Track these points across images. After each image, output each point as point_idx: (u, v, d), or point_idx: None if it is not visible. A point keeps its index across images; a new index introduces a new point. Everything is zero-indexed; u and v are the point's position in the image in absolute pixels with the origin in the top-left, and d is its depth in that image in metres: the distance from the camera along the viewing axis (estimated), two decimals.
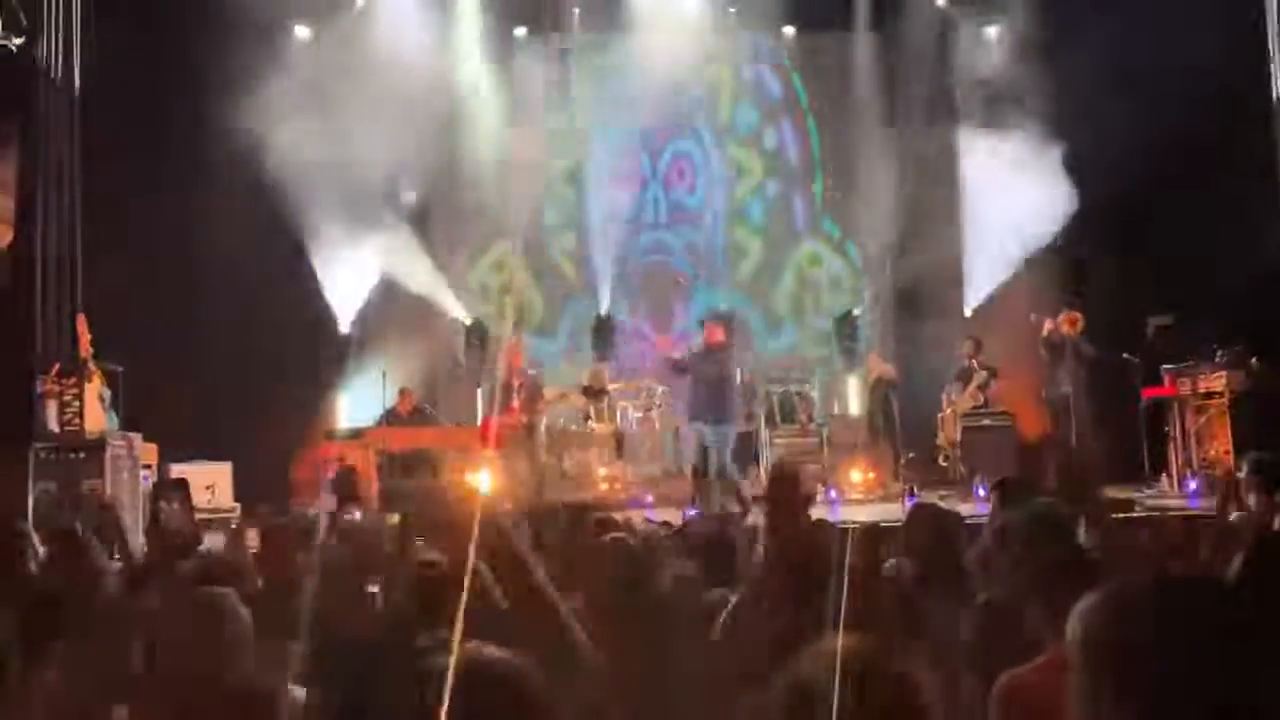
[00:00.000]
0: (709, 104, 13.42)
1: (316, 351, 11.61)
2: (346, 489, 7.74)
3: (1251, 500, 4.18)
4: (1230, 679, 1.34)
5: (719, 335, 9.34)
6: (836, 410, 12.30)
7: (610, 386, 11.46)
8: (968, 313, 12.06)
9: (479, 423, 10.35)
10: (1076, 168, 11.25)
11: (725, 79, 13.49)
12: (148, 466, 9.24)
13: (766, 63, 13.52)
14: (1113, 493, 8.13)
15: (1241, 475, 4.55)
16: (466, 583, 2.06)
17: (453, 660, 1.68)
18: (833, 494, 10.07)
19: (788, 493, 2.62)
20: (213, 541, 5.41)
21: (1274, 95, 10.65)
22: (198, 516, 9.23)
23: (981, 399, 10.72)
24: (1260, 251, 10.17)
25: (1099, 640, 1.42)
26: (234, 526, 4.85)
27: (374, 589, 2.65)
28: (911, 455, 11.14)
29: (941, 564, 3.52)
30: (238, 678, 1.96)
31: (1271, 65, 10.62)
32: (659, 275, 13.44)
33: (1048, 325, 9.96)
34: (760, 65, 13.51)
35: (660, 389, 11.87)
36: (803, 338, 13.47)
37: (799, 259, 13.60)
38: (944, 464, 11.02)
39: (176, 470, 9.62)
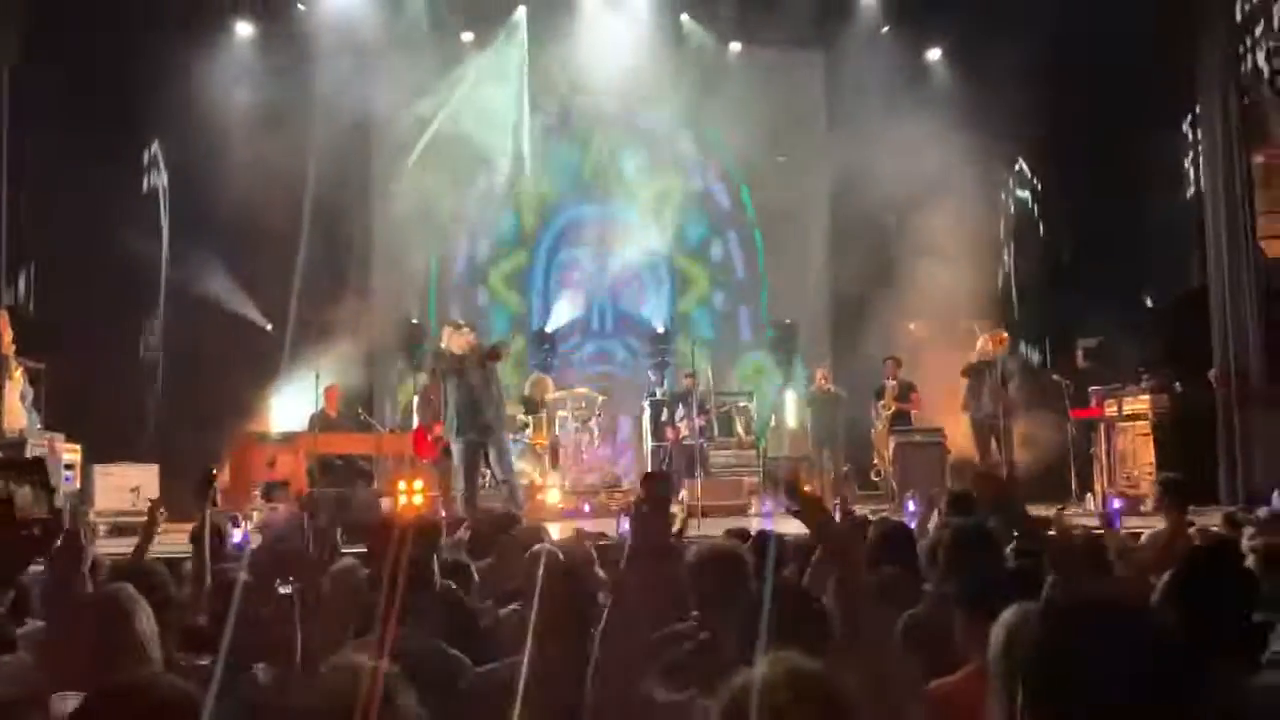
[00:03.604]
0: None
1: (247, 351, 11.36)
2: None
3: (1164, 518, 4.32)
4: (1149, 697, 1.36)
5: (466, 342, 8.73)
6: (774, 423, 12.39)
7: (550, 396, 11.40)
8: (911, 326, 12.15)
9: (412, 430, 10.19)
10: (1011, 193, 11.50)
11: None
12: (69, 468, 9.00)
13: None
14: (1036, 512, 8.29)
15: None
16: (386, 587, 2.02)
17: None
18: (767, 505, 10.11)
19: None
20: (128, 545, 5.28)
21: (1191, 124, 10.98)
22: (122, 519, 9.04)
23: (892, 408, 10.89)
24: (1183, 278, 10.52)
25: (1019, 656, 1.45)
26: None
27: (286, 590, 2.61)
28: (847, 469, 11.27)
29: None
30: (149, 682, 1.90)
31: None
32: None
33: (979, 346, 10.11)
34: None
35: (600, 399, 11.86)
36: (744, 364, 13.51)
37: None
38: (876, 479, 11.16)
39: (100, 471, 9.37)
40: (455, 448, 8.56)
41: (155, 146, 11.18)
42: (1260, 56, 10.25)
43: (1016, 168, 12.19)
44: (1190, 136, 11.20)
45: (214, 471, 4.39)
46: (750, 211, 13.64)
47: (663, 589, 3.11)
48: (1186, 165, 11.24)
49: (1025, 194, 12.34)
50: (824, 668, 1.59)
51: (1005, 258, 12.08)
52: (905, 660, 2.94)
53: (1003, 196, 11.97)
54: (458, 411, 8.48)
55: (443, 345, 8.89)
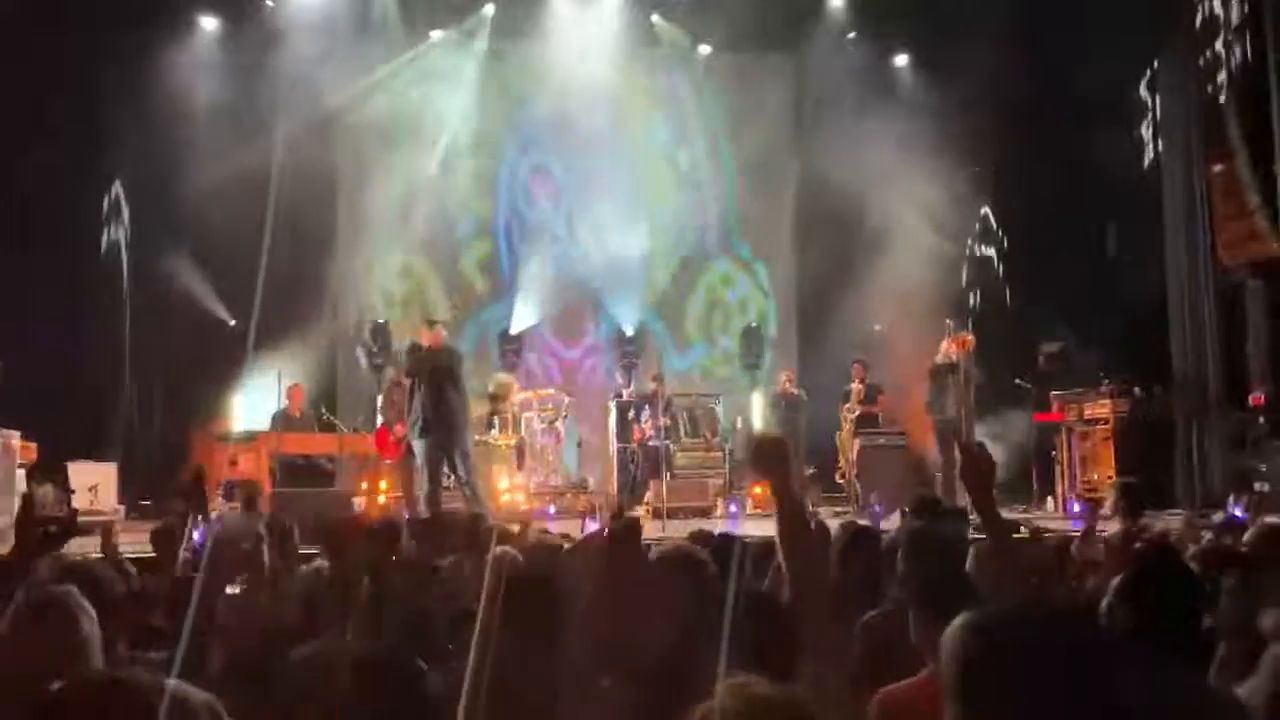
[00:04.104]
0: (622, 117, 13.35)
1: (210, 348, 11.23)
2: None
3: (1119, 522, 4.39)
4: (1085, 701, 1.39)
5: (436, 341, 8.64)
6: (740, 424, 12.42)
7: (515, 397, 11.36)
8: (876, 327, 12.19)
9: (375, 430, 10.12)
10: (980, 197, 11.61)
11: (639, 89, 13.45)
12: (24, 466, 8.85)
13: (684, 82, 13.58)
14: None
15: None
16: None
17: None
18: (733, 508, 10.15)
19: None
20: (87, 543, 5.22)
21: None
22: (79, 519, 8.90)
23: (857, 411, 10.95)
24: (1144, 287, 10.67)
25: (963, 666, 1.47)
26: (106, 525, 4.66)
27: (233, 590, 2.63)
28: (812, 471, 11.31)
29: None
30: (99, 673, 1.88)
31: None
32: (570, 288, 13.35)
33: (944, 347, 10.15)
34: (675, 82, 13.56)
35: (566, 400, 11.84)
36: (710, 358, 13.61)
37: (710, 279, 13.73)
38: (841, 480, 11.21)
39: None
40: (418, 448, 8.48)
41: (118, 138, 11.01)
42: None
43: (982, 171, 12.29)
44: (1150, 143, 11.35)
45: (204, 472, 4.39)
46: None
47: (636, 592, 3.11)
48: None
49: (991, 197, 12.44)
50: (785, 687, 1.58)
51: (970, 261, 12.16)
52: (863, 665, 2.96)
53: (968, 200, 12.05)
54: (423, 411, 8.39)
55: (409, 342, 8.81)
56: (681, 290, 13.63)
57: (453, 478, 8.63)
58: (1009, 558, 2.38)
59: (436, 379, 8.37)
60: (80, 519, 8.88)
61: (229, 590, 3.24)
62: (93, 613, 2.16)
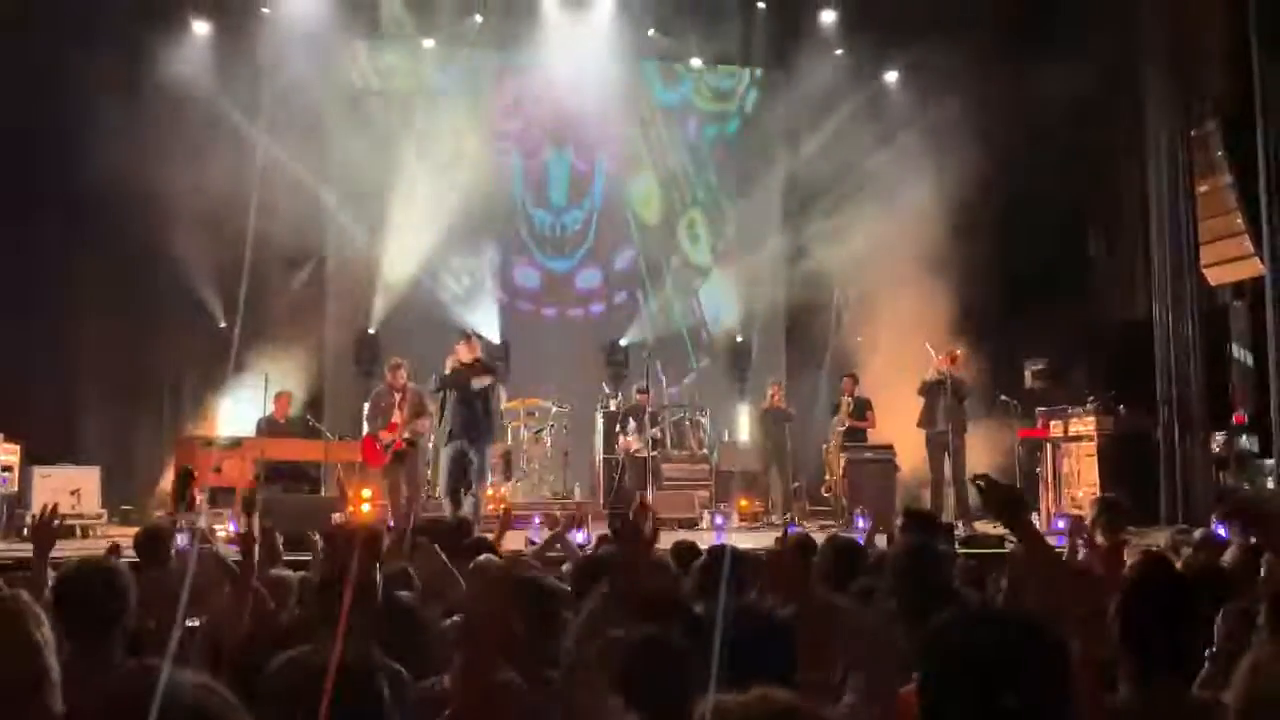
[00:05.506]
0: (616, 125, 13.39)
1: (195, 353, 11.17)
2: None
3: (1101, 538, 4.40)
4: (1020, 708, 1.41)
5: (474, 353, 8.93)
6: (727, 437, 12.43)
7: (503, 406, 11.34)
8: (859, 338, 12.21)
9: (362, 437, 10.08)
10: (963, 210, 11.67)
11: (631, 101, 13.50)
12: (7, 469, 8.81)
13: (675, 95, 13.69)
14: (985, 530, 8.42)
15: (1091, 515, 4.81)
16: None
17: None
18: (719, 520, 10.15)
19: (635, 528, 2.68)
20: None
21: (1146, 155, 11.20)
22: (61, 522, 8.85)
23: (845, 425, 10.94)
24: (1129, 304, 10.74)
25: (926, 668, 1.51)
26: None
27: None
28: (797, 485, 11.32)
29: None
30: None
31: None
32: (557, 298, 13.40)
33: (934, 364, 10.17)
34: (666, 95, 13.65)
35: (553, 409, 11.83)
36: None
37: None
38: (827, 495, 11.22)
39: (39, 473, 9.17)
40: (444, 452, 8.86)
41: (109, 141, 10.97)
42: None
43: (972, 187, 12.36)
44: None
45: (193, 474, 4.37)
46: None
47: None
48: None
49: (980, 211, 12.49)
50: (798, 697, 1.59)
51: (958, 278, 12.19)
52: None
53: (957, 217, 12.09)
54: (454, 418, 8.69)
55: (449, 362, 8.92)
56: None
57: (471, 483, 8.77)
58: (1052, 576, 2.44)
59: (470, 389, 8.66)
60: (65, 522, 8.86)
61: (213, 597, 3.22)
62: (43, 617, 2.13)
